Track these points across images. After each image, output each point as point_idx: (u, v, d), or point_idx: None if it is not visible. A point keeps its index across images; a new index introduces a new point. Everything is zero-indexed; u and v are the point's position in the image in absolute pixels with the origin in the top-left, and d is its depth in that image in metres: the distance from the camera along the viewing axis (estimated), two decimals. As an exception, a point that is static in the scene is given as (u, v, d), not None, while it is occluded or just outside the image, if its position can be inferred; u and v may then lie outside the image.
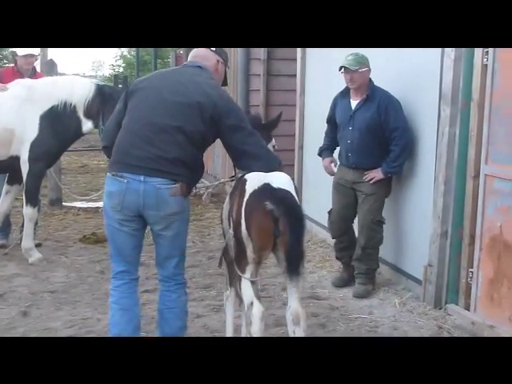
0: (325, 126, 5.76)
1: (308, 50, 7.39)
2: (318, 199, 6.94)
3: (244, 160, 3.75)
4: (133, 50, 29.09)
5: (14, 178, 6.30)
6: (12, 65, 6.88)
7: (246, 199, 3.59)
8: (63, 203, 8.81)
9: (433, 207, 4.98)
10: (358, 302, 5.23)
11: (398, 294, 5.33)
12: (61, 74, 9.59)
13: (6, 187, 6.39)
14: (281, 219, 3.45)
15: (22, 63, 6.70)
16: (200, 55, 3.85)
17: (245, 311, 3.66)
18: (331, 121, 5.56)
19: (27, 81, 6.27)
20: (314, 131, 7.24)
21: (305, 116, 7.59)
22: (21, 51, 6.66)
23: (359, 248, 5.32)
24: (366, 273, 5.37)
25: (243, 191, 3.64)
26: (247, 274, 3.62)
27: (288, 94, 8.49)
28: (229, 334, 4.10)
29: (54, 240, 7.02)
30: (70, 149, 7.18)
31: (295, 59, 7.68)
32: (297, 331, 3.62)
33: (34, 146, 5.99)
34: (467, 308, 4.70)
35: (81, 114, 6.12)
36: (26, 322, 4.70)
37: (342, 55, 5.22)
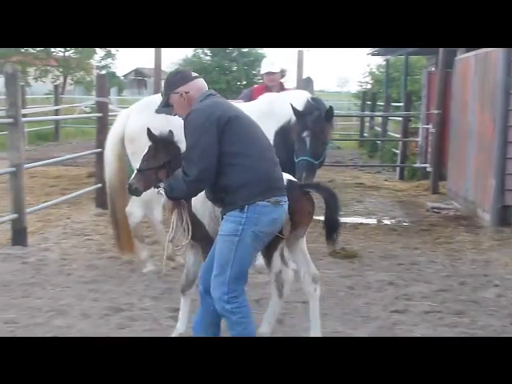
0: None
1: None
2: None
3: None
4: (382, 67, 29.14)
5: None
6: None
7: None
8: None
9: None
10: None
11: None
12: (316, 92, 9.86)
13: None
14: (324, 197, 4.27)
15: (265, 80, 7.16)
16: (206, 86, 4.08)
17: (273, 281, 4.44)
18: None
19: (271, 95, 6.50)
20: None
21: None
22: (264, 69, 7.12)
23: None
24: None
25: None
26: (279, 250, 4.27)
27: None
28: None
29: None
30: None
31: None
32: (317, 289, 4.38)
33: None
34: None
35: None
36: (282, 330, 4.89)
37: None
